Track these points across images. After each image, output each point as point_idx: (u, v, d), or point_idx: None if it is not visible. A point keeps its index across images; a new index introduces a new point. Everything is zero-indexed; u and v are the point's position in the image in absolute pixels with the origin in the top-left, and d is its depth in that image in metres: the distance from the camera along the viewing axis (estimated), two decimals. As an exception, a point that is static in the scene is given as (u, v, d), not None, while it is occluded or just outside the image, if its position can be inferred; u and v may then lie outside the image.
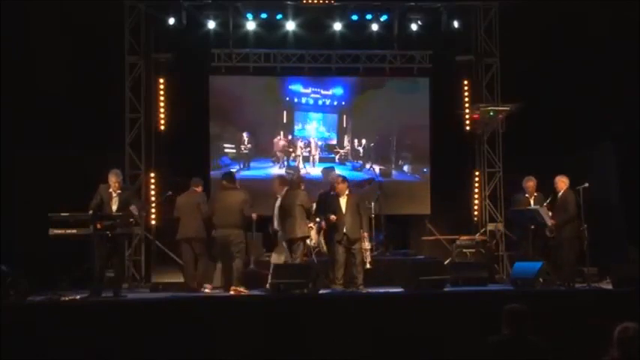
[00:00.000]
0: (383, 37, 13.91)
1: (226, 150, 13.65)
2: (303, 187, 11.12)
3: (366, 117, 14.09)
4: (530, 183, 11.25)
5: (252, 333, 8.46)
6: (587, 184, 10.86)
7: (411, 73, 14.17)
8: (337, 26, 13.71)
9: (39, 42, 12.19)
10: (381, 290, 10.46)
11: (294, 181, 11.27)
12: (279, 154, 13.78)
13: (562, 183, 11.04)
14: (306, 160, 13.84)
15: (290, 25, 13.65)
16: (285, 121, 13.85)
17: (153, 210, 13.13)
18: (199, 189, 11.08)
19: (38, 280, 9.62)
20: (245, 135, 13.64)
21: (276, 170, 13.55)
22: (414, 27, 13.76)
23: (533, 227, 10.93)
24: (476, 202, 14.11)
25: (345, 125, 14.05)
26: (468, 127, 14.16)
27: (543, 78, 12.94)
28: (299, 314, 8.81)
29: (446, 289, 10.23)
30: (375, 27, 13.79)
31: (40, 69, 12.11)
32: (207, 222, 10.86)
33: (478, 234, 13.63)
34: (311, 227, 11.08)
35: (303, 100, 13.95)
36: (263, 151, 13.74)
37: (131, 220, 9.98)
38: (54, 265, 9.75)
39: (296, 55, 13.94)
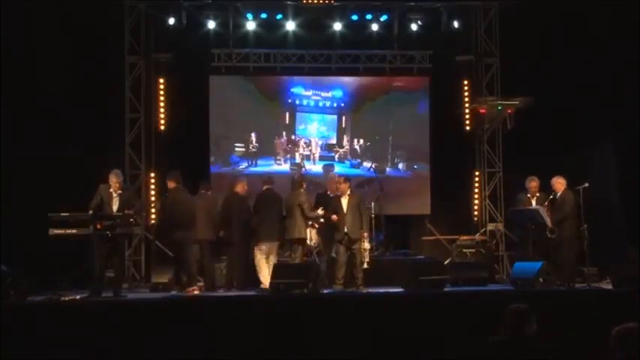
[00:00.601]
0: (383, 37, 13.91)
1: (236, 149, 13.79)
2: (304, 187, 11.12)
3: (364, 118, 14.17)
4: (533, 183, 11.26)
5: (252, 333, 8.46)
6: (587, 184, 10.86)
7: (411, 73, 14.18)
8: (337, 26, 13.72)
9: (39, 42, 12.19)
10: (381, 290, 10.46)
11: (295, 181, 11.28)
12: (282, 152, 13.95)
13: (559, 184, 11.05)
14: (307, 158, 13.99)
15: (290, 25, 13.65)
16: (287, 121, 14.00)
17: (153, 210, 13.12)
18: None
19: (38, 280, 9.62)
20: (253, 135, 13.81)
21: (281, 167, 13.82)
22: (414, 27, 13.76)
23: (533, 227, 10.93)
24: (476, 202, 14.11)
25: (344, 126, 14.17)
26: (468, 127, 14.17)
27: (543, 78, 12.94)
28: (299, 314, 8.81)
29: (446, 289, 10.23)
30: (375, 27, 13.79)
31: (40, 69, 12.11)
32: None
33: (478, 234, 13.64)
34: (314, 226, 11.06)
35: (305, 101, 14.12)
36: (268, 149, 13.92)
37: (131, 220, 9.97)
38: (54, 265, 9.74)
39: (296, 55, 13.95)
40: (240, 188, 11.43)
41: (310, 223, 11.13)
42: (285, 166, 13.85)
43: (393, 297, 9.82)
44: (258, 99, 13.97)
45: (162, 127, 13.53)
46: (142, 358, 8.23)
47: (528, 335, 5.57)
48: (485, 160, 14.03)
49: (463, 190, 14.11)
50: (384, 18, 13.77)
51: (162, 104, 13.54)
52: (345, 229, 10.65)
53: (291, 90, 14.07)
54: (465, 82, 14.18)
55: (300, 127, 14.05)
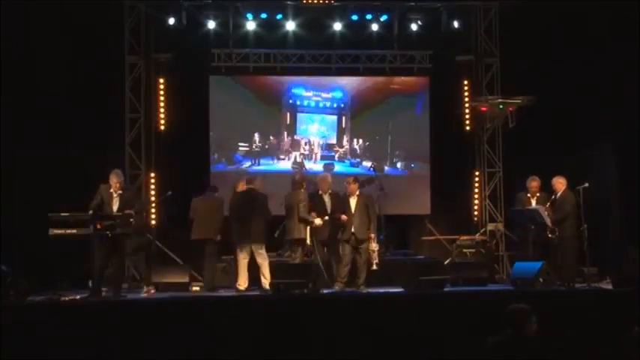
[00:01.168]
0: (383, 37, 13.91)
1: (240, 148, 13.87)
2: (305, 187, 11.12)
3: (364, 118, 14.22)
4: (533, 183, 11.25)
5: (252, 333, 8.46)
6: (587, 184, 10.86)
7: (411, 73, 14.19)
8: (337, 26, 13.71)
9: (39, 42, 12.19)
10: (381, 290, 10.47)
11: (296, 181, 11.28)
12: (284, 152, 14.02)
13: (560, 184, 11.05)
14: (308, 157, 14.05)
15: (290, 25, 13.65)
16: (288, 122, 14.06)
17: (153, 210, 13.12)
18: None
19: (38, 280, 9.62)
20: (256, 135, 13.89)
21: (283, 166, 13.92)
22: (414, 27, 13.76)
23: (533, 227, 10.94)
24: (476, 202, 14.11)
25: (343, 126, 14.22)
26: (468, 127, 14.17)
27: (543, 78, 12.93)
28: (299, 314, 8.82)
29: (446, 289, 10.23)
30: (375, 27, 13.79)
31: (40, 69, 12.11)
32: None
33: (478, 234, 13.63)
34: (316, 225, 11.07)
35: (305, 102, 14.17)
36: (270, 149, 14.00)
37: (131, 220, 9.97)
38: (54, 265, 9.74)
39: (296, 55, 13.95)
40: (242, 188, 11.47)
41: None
42: (287, 165, 13.92)
43: (393, 297, 9.83)
44: (258, 99, 13.99)
45: (162, 127, 13.53)
46: (142, 358, 8.23)
47: (528, 335, 5.57)
48: (485, 160, 14.03)
49: (463, 190, 14.11)
50: (384, 18, 13.76)
51: (162, 104, 13.54)
52: (353, 230, 10.65)
53: (292, 91, 14.10)
54: (465, 82, 14.17)
55: (301, 127, 14.12)
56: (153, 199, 13.14)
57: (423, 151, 14.14)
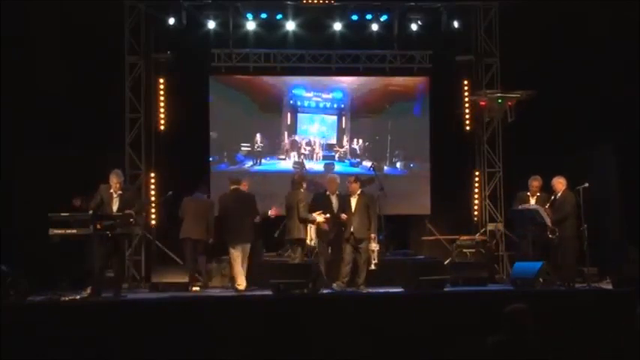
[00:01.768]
0: (383, 37, 13.91)
1: (242, 148, 13.89)
2: (304, 187, 11.12)
3: (363, 118, 14.25)
4: (534, 182, 11.25)
5: (252, 333, 8.46)
6: (587, 184, 10.86)
7: (410, 73, 14.19)
8: (337, 26, 13.72)
9: (39, 42, 12.19)
10: (381, 290, 10.47)
11: (295, 181, 11.30)
12: (285, 152, 14.06)
13: (560, 184, 11.04)
14: (309, 157, 14.09)
15: (290, 25, 13.65)
16: (289, 122, 14.07)
17: (153, 210, 13.13)
18: None
19: (38, 280, 9.61)
20: (258, 135, 13.91)
21: (283, 165, 13.96)
22: (414, 27, 13.76)
23: (533, 227, 10.93)
24: (476, 202, 14.11)
25: (343, 126, 14.23)
26: (468, 127, 14.17)
27: (543, 78, 12.93)
28: (299, 314, 8.81)
29: (446, 289, 10.23)
30: (375, 27, 13.79)
31: (40, 69, 12.11)
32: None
33: (478, 234, 13.63)
34: (320, 223, 11.07)
35: (306, 103, 14.19)
36: (271, 149, 14.03)
37: (131, 220, 9.97)
38: (54, 265, 9.74)
39: (296, 55, 13.95)
40: (242, 188, 11.51)
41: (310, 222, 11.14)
42: (288, 165, 13.96)
43: (393, 297, 9.83)
44: (259, 100, 14.00)
45: (162, 127, 13.52)
46: (142, 358, 8.23)
47: (527, 335, 5.57)
48: (485, 160, 14.03)
49: (463, 190, 14.11)
50: (384, 18, 13.76)
51: (162, 104, 13.53)
52: (352, 229, 10.66)
53: (293, 92, 14.13)
54: (465, 82, 14.17)
55: (301, 127, 14.15)
56: (153, 199, 13.15)
57: (422, 151, 14.15)
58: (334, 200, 11.13)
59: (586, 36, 12.80)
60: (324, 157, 14.13)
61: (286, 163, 14.01)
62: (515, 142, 13.53)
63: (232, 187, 11.33)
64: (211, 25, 13.50)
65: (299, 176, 11.50)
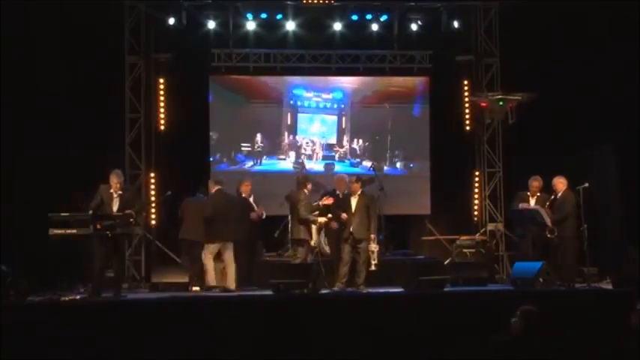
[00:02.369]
0: (383, 37, 13.91)
1: (243, 148, 13.90)
2: (309, 187, 11.11)
3: (363, 119, 14.26)
4: (535, 183, 11.24)
5: (252, 333, 8.46)
6: (587, 184, 10.86)
7: (411, 73, 14.19)
8: (337, 26, 13.72)
9: (39, 42, 12.19)
10: (381, 290, 10.47)
11: (299, 181, 11.32)
12: (285, 152, 14.08)
13: (560, 184, 11.04)
14: (309, 157, 14.09)
15: (290, 25, 13.65)
16: (289, 122, 14.08)
17: (153, 210, 13.13)
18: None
19: (38, 280, 9.61)
20: (259, 135, 13.92)
21: (284, 165, 14.00)
22: (414, 27, 13.76)
23: (533, 227, 10.93)
24: (476, 202, 14.10)
25: (343, 126, 14.24)
26: (468, 127, 14.17)
27: (543, 78, 12.93)
28: (299, 314, 8.82)
29: (446, 289, 10.23)
30: (375, 27, 13.79)
31: (40, 69, 12.11)
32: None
33: (478, 234, 13.63)
34: (324, 222, 11.06)
35: (306, 103, 14.21)
36: (271, 149, 14.05)
37: (131, 220, 9.97)
38: (54, 265, 9.74)
39: (296, 55, 13.95)
40: (244, 188, 11.51)
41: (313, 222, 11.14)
42: (289, 165, 13.99)
43: (393, 297, 9.83)
44: (259, 100, 14.02)
45: (162, 127, 13.52)
46: (142, 358, 8.23)
47: (535, 337, 5.58)
48: (485, 160, 14.03)
49: (463, 190, 14.11)
50: (384, 18, 13.76)
51: (162, 104, 13.53)
52: (351, 229, 10.66)
53: (293, 92, 14.14)
54: (465, 82, 14.17)
55: (301, 127, 14.16)
56: (153, 199, 13.15)
57: (422, 151, 14.16)
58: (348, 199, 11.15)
59: (586, 36, 12.80)
60: (324, 157, 14.14)
61: (286, 163, 14.03)
62: (515, 142, 13.53)
63: (216, 187, 11.35)
64: (211, 25, 13.50)
65: (303, 176, 11.53)
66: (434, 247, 13.39)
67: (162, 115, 13.53)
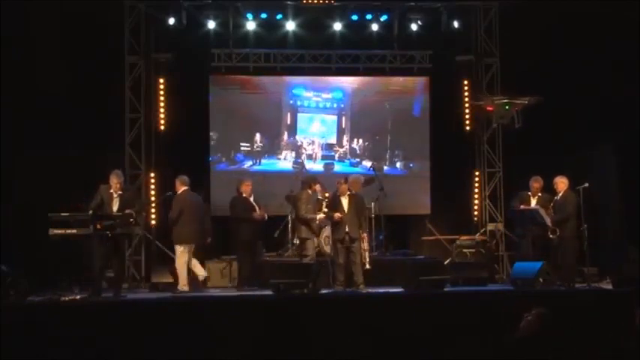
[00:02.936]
0: (383, 37, 13.91)
1: (242, 148, 13.89)
2: (315, 187, 11.09)
3: (363, 118, 14.25)
4: (535, 184, 11.22)
5: (252, 333, 8.46)
6: (587, 184, 10.86)
7: (411, 73, 14.19)
8: (337, 26, 13.71)
9: (39, 42, 12.19)
10: (381, 290, 10.47)
11: (304, 181, 11.33)
12: (284, 151, 14.06)
13: (562, 184, 11.04)
14: (309, 157, 14.08)
15: (290, 25, 13.65)
16: (289, 122, 14.08)
17: (153, 210, 13.13)
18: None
19: (38, 280, 9.61)
20: (258, 135, 13.92)
21: (283, 165, 13.98)
22: (414, 27, 13.75)
23: (533, 227, 10.93)
24: (476, 202, 14.10)
25: (343, 126, 14.23)
26: (468, 127, 14.17)
27: (543, 78, 12.93)
28: (299, 314, 8.82)
29: (446, 289, 10.23)
30: (375, 27, 13.79)
31: (40, 69, 12.11)
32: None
33: (478, 234, 13.63)
34: (321, 218, 11.05)
35: (306, 103, 14.20)
36: (270, 149, 14.04)
37: (131, 220, 9.96)
38: (54, 265, 9.74)
39: (296, 55, 13.94)
40: (245, 188, 11.52)
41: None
42: (288, 165, 13.99)
43: (393, 297, 9.83)
44: (259, 99, 14.01)
45: (162, 127, 13.52)
46: (142, 358, 8.23)
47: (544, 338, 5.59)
48: (485, 160, 14.03)
49: (463, 190, 14.11)
50: (384, 18, 13.76)
51: (162, 104, 13.53)
52: (347, 229, 10.67)
53: (293, 91, 14.13)
54: (465, 82, 14.16)
55: (301, 127, 14.15)
56: (153, 199, 13.15)
57: (422, 151, 14.16)
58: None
59: (586, 36, 12.79)
60: (324, 157, 14.13)
61: (286, 163, 14.02)
62: (515, 142, 13.52)
63: (184, 188, 11.32)
64: (211, 25, 13.49)
65: (311, 177, 11.54)
66: (434, 247, 13.38)
67: (162, 115, 13.52)
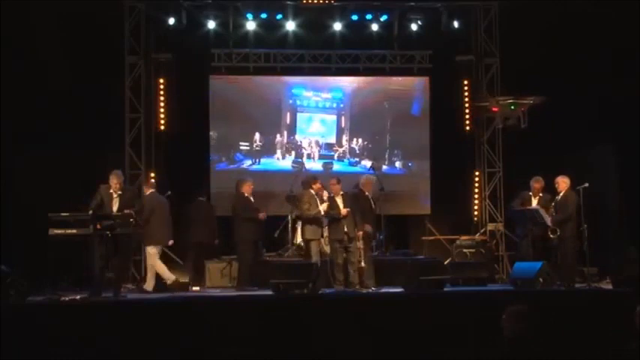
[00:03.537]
0: (383, 37, 13.92)
1: (241, 147, 13.91)
2: (315, 187, 11.09)
3: (362, 118, 14.26)
4: (536, 184, 11.19)
5: (252, 333, 8.46)
6: (587, 184, 10.86)
7: (411, 73, 14.19)
8: (337, 26, 13.72)
9: (39, 42, 12.18)
10: (381, 290, 10.46)
11: (305, 181, 11.34)
12: (284, 151, 14.07)
13: (563, 183, 11.02)
14: (308, 156, 14.10)
15: (290, 25, 13.65)
16: (288, 121, 14.08)
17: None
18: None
19: (38, 280, 9.61)
20: (257, 134, 13.93)
21: (283, 164, 14.00)
22: (414, 27, 13.76)
23: (533, 227, 10.93)
24: (476, 202, 14.11)
25: (343, 125, 14.24)
26: (468, 127, 14.18)
27: (543, 78, 12.94)
28: (299, 314, 8.81)
29: (446, 289, 10.23)
30: (375, 27, 13.80)
31: (40, 69, 12.11)
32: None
33: (478, 234, 13.64)
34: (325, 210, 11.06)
35: (305, 102, 14.22)
36: (270, 148, 14.03)
37: (131, 220, 9.96)
38: (54, 265, 9.73)
39: (296, 55, 13.95)
40: (247, 188, 11.52)
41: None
42: (287, 165, 13.99)
43: (393, 297, 9.83)
44: (258, 99, 14.02)
45: (162, 127, 13.54)
46: (142, 358, 8.22)
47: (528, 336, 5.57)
48: (485, 160, 14.03)
49: (463, 190, 14.12)
50: (384, 18, 13.77)
51: (162, 104, 13.55)
52: (345, 229, 10.67)
53: (292, 91, 14.14)
54: (465, 82, 14.18)
55: (301, 126, 14.15)
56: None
57: (421, 151, 14.17)
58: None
59: (586, 36, 12.79)
60: (323, 157, 14.13)
61: (285, 163, 14.02)
62: (515, 142, 13.52)
63: (151, 190, 11.45)
64: (211, 25, 13.50)
65: (311, 176, 11.54)
66: (434, 247, 13.38)
67: (162, 115, 13.54)
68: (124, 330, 8.38)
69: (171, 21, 13.32)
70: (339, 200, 10.86)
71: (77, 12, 12.20)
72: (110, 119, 12.93)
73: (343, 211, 10.72)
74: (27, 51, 12.03)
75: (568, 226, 10.83)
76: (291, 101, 14.12)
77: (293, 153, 14.04)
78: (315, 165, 14.05)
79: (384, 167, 14.11)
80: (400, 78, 14.33)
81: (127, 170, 12.86)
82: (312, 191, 11.04)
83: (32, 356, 8.03)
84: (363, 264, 10.65)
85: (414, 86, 14.35)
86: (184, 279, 11.39)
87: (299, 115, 14.14)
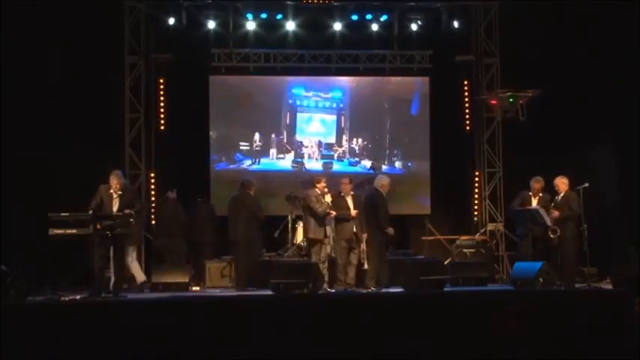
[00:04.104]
0: (383, 37, 13.92)
1: (241, 147, 13.90)
2: (319, 186, 11.07)
3: (362, 118, 14.27)
4: (536, 185, 11.20)
5: (252, 333, 8.46)
6: (587, 184, 10.86)
7: (411, 73, 14.19)
8: (337, 26, 13.72)
9: (39, 42, 12.19)
10: (381, 290, 10.46)
11: (307, 181, 11.33)
12: (277, 151, 14.06)
13: (562, 184, 11.03)
14: (308, 156, 14.12)
15: (290, 25, 13.66)
16: (288, 121, 14.07)
17: (153, 210, 13.13)
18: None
19: (38, 280, 9.61)
20: (257, 134, 13.92)
21: (282, 164, 14.00)
22: (414, 27, 13.76)
23: (533, 227, 10.93)
24: (476, 202, 14.11)
25: (342, 125, 14.24)
26: (468, 127, 14.19)
27: (543, 78, 12.93)
28: (299, 314, 8.81)
29: (446, 289, 10.23)
30: (375, 27, 13.80)
31: (40, 69, 12.11)
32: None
33: (478, 234, 13.64)
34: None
35: (305, 102, 14.21)
36: (270, 148, 14.03)
37: (131, 220, 9.96)
38: (54, 265, 9.73)
39: (296, 55, 13.95)
40: (254, 189, 11.56)
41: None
42: (287, 164, 14.00)
43: (393, 297, 9.83)
44: (258, 99, 14.03)
45: (162, 127, 13.55)
46: (142, 358, 8.22)
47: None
48: (485, 160, 14.04)
49: (463, 190, 14.12)
50: (384, 18, 13.77)
51: (162, 104, 13.55)
52: (354, 229, 10.66)
53: (292, 91, 14.14)
54: (465, 82, 14.19)
55: (300, 126, 14.15)
56: (153, 199, 13.15)
57: (421, 151, 14.17)
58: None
59: (586, 36, 12.79)
60: (323, 157, 14.13)
61: (285, 162, 14.02)
62: (516, 142, 13.53)
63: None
64: (211, 25, 13.50)
65: (312, 175, 11.53)
66: (434, 247, 13.38)
67: (162, 115, 13.55)
68: (124, 330, 8.37)
69: (172, 21, 13.32)
70: (350, 200, 10.84)
71: (77, 12, 12.20)
72: (110, 119, 12.93)
73: (353, 212, 10.70)
74: (27, 51, 12.03)
75: (568, 226, 10.83)
76: (291, 101, 14.13)
77: (292, 154, 14.03)
78: (315, 165, 14.05)
79: (384, 167, 14.11)
80: (400, 78, 14.34)
81: (127, 170, 12.85)
82: (318, 190, 11.01)
83: (32, 356, 8.03)
84: (366, 266, 10.64)
85: (414, 86, 14.36)
86: (184, 279, 11.36)
87: (299, 115, 14.14)
